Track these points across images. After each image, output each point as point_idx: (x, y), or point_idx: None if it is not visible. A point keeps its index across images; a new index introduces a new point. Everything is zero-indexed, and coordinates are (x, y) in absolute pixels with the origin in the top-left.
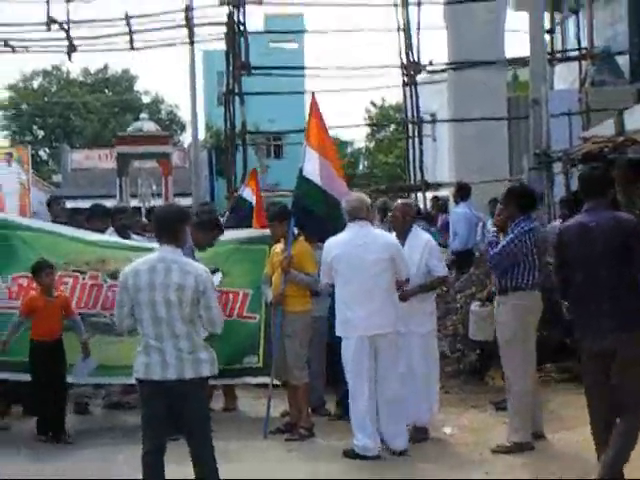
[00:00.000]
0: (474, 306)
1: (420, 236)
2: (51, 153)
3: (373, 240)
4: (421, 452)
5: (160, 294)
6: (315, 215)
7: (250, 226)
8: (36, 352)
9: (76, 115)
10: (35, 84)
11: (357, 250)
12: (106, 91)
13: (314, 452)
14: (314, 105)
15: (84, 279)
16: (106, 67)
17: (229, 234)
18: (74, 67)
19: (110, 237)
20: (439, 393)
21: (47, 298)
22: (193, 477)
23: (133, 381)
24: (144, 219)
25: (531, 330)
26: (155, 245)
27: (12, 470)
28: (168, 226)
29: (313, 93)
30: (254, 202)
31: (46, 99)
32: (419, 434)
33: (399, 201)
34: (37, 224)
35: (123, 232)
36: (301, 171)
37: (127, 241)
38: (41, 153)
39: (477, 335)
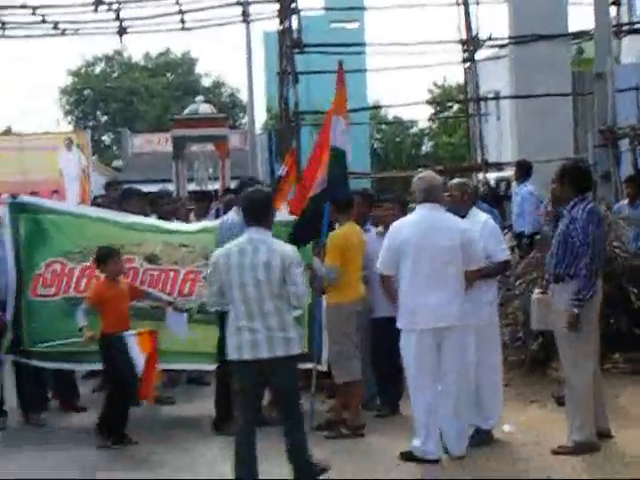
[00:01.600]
0: (535, 294)
1: (479, 217)
2: (114, 138)
3: (445, 224)
4: (479, 453)
5: (250, 274)
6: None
7: None
8: (108, 346)
9: (138, 99)
10: (97, 69)
11: (428, 234)
12: (167, 75)
13: (360, 453)
14: (340, 75)
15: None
16: (167, 51)
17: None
18: (135, 51)
19: (146, 220)
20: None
21: (115, 287)
22: None
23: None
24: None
25: (590, 321)
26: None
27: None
28: (255, 209)
29: (340, 62)
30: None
31: (108, 84)
32: (482, 437)
33: (455, 180)
34: (71, 207)
35: (166, 219)
36: (335, 147)
37: (164, 223)
38: (105, 138)
39: (538, 325)
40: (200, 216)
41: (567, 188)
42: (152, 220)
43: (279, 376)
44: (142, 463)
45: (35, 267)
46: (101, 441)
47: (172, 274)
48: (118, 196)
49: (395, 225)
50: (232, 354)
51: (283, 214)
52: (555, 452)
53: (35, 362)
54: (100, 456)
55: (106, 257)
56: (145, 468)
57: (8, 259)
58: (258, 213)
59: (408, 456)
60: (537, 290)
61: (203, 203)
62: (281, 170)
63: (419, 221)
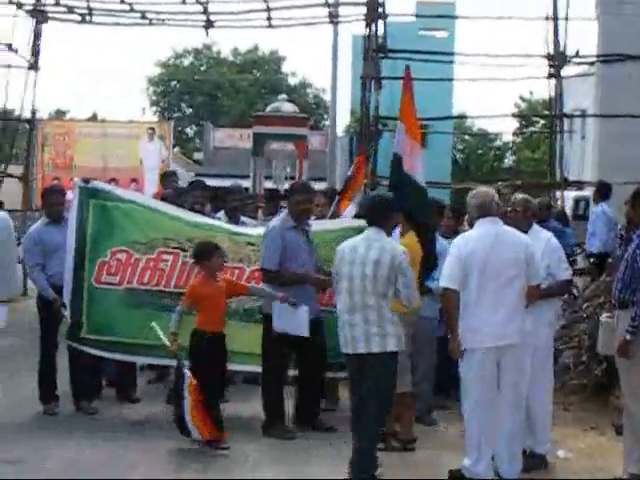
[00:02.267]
0: (604, 317)
1: (540, 234)
2: (197, 131)
3: (510, 238)
4: (531, 477)
5: (358, 268)
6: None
7: None
8: (197, 344)
9: (224, 94)
10: (186, 62)
11: (491, 249)
12: (254, 72)
13: (409, 467)
14: (408, 79)
15: (185, 257)
16: (256, 48)
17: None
18: (224, 47)
19: (212, 220)
20: (558, 410)
21: (214, 284)
22: None
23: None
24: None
25: None
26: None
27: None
28: (374, 212)
29: (407, 66)
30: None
31: (196, 77)
32: (536, 462)
33: (519, 196)
34: (141, 198)
35: (233, 214)
36: (395, 154)
37: (229, 225)
38: (188, 130)
39: (605, 349)
40: (268, 214)
41: (639, 211)
42: (218, 222)
43: (370, 370)
44: (183, 460)
45: (101, 254)
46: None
47: (237, 272)
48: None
49: (459, 239)
50: (340, 346)
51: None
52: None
53: (93, 351)
54: (145, 451)
55: (207, 253)
56: (185, 466)
57: (68, 243)
58: (376, 215)
59: (457, 475)
60: (606, 314)
61: (272, 202)
62: (349, 172)
63: (484, 235)
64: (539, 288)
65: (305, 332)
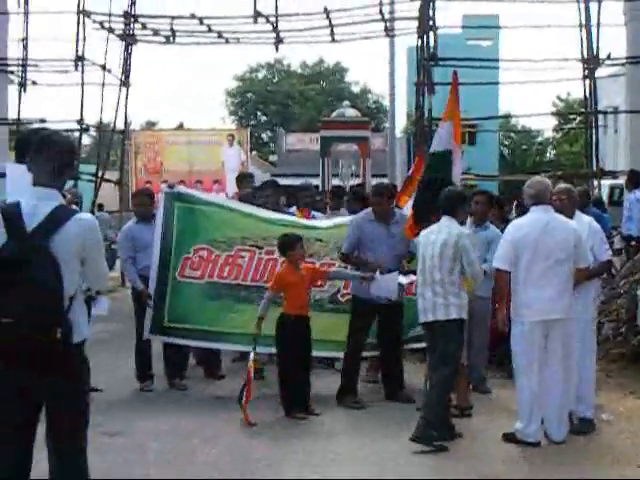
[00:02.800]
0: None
1: (583, 221)
2: (271, 136)
3: (560, 224)
4: (578, 439)
5: (430, 249)
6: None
7: None
8: (286, 326)
9: (294, 103)
10: (260, 75)
11: (542, 233)
12: (320, 82)
13: (466, 431)
14: (455, 83)
15: (260, 254)
16: (321, 60)
17: None
18: (293, 60)
19: (283, 215)
20: (600, 377)
21: (297, 272)
22: None
23: None
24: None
25: None
26: (326, 222)
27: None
28: (447, 203)
29: (455, 71)
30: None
31: (269, 88)
32: (584, 425)
33: (562, 185)
34: (220, 200)
35: (305, 209)
36: (431, 153)
37: (300, 219)
38: (263, 136)
39: None
40: (334, 209)
41: None
42: (289, 217)
43: (439, 337)
44: (261, 430)
45: (185, 251)
46: (287, 412)
47: (308, 265)
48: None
49: (514, 223)
50: (419, 317)
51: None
52: None
53: (174, 340)
54: (228, 421)
55: (291, 244)
56: (263, 434)
57: (155, 241)
58: (448, 206)
59: (510, 437)
60: None
61: (338, 198)
62: (410, 171)
63: (537, 220)
64: (587, 270)
65: (394, 295)
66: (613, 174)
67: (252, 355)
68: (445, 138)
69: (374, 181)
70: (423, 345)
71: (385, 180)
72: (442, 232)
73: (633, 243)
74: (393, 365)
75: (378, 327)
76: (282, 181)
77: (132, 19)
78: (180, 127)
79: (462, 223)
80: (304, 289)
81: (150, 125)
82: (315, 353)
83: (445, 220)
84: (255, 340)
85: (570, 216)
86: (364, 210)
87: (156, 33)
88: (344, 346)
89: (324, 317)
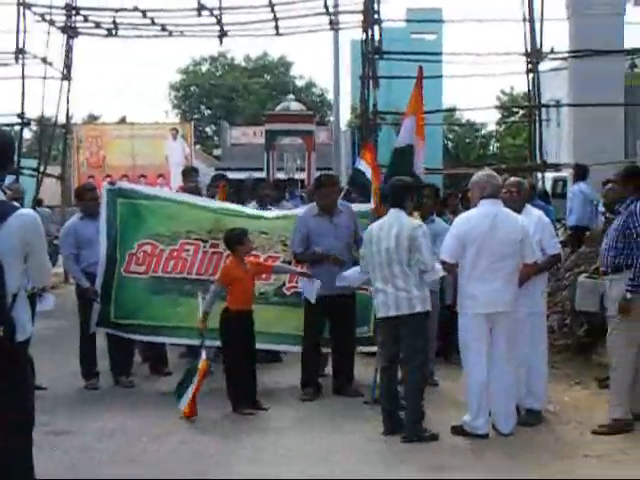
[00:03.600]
0: (582, 277)
1: (532, 214)
2: (215, 130)
3: (507, 219)
4: (525, 431)
5: (384, 244)
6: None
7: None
8: (230, 321)
9: (238, 96)
10: (203, 68)
11: (489, 228)
12: (265, 75)
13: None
14: (420, 77)
15: (205, 247)
16: (266, 54)
17: None
18: (237, 54)
19: (227, 204)
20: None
21: (243, 266)
22: None
23: None
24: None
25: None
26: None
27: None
28: (394, 194)
29: (420, 67)
30: (368, 174)
31: (212, 82)
32: (532, 417)
33: (511, 179)
34: (163, 193)
35: (264, 202)
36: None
37: (244, 209)
38: (207, 130)
39: (582, 305)
40: (275, 201)
41: (629, 187)
42: (236, 206)
43: (405, 332)
44: (210, 426)
45: (129, 246)
46: (234, 408)
47: (253, 258)
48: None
49: (462, 217)
50: (375, 312)
51: (362, 205)
52: (594, 432)
53: (122, 334)
54: (177, 419)
55: (239, 237)
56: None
57: (100, 238)
58: (397, 198)
59: (459, 430)
60: (583, 275)
61: (278, 191)
62: (357, 162)
63: (484, 214)
64: (535, 265)
65: (312, 299)
66: (556, 167)
67: (204, 354)
68: (408, 133)
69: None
70: (370, 349)
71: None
72: (394, 225)
73: (570, 233)
74: (345, 359)
75: (330, 321)
76: (227, 175)
77: (74, 11)
78: (123, 121)
79: (410, 214)
80: (249, 283)
81: (93, 119)
82: (260, 346)
83: (394, 212)
84: (202, 335)
85: (519, 210)
86: (307, 205)
87: (98, 26)
88: (290, 339)
89: (269, 310)
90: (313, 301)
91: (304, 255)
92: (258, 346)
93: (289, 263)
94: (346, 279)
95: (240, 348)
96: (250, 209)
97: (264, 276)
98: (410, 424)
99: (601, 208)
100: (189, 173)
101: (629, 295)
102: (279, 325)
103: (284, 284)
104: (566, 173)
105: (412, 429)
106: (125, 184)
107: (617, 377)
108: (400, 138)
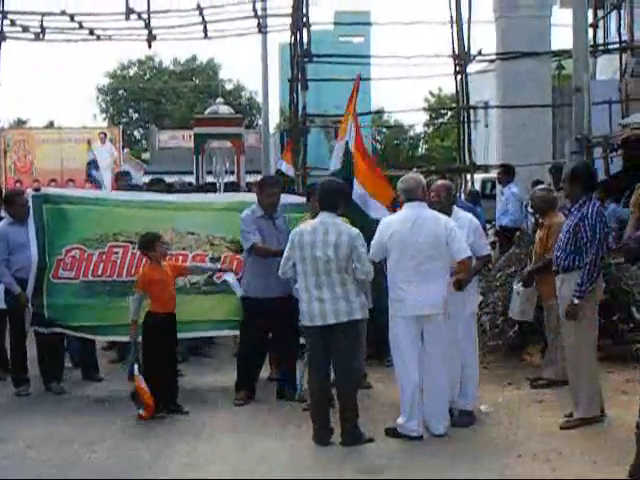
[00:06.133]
0: (517, 286)
1: (462, 216)
2: (144, 133)
3: (429, 221)
4: (459, 431)
5: (321, 251)
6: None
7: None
8: (151, 324)
9: (166, 100)
10: (131, 72)
11: (412, 230)
12: (193, 79)
13: None
14: (357, 84)
15: (134, 249)
16: (194, 57)
17: None
18: (165, 57)
19: (154, 195)
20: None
21: (160, 269)
22: None
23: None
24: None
25: (592, 308)
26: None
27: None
28: (327, 197)
29: (358, 74)
30: (291, 173)
31: (140, 85)
32: (464, 418)
33: (439, 182)
34: (88, 195)
35: None
36: (347, 143)
37: (174, 197)
38: (135, 133)
39: (518, 315)
40: None
41: (576, 187)
42: (164, 197)
43: (341, 338)
44: (145, 431)
45: (57, 252)
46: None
47: (181, 257)
48: (126, 185)
49: (384, 221)
50: (305, 321)
51: (297, 197)
52: (562, 427)
53: (58, 329)
54: (109, 424)
55: (151, 242)
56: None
57: (31, 245)
58: (329, 200)
59: (393, 432)
60: (518, 283)
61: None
62: (279, 163)
63: (405, 218)
64: (469, 261)
65: (239, 293)
66: (485, 168)
67: (136, 369)
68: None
69: (248, 177)
70: None
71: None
72: (331, 232)
73: (504, 233)
74: (285, 363)
75: (271, 324)
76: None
77: (1, 15)
78: (51, 125)
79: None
80: (169, 286)
81: (20, 123)
82: (200, 334)
83: (327, 216)
84: (135, 344)
85: (448, 212)
86: (249, 208)
87: (25, 30)
88: (228, 323)
89: (201, 299)
90: (239, 295)
91: (264, 248)
92: (198, 334)
93: (217, 259)
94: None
95: (160, 352)
96: (186, 197)
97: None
98: (349, 428)
99: (530, 209)
100: (122, 177)
101: (576, 301)
102: (215, 312)
103: (214, 273)
104: (494, 174)
105: (350, 433)
106: (51, 189)
107: (579, 372)
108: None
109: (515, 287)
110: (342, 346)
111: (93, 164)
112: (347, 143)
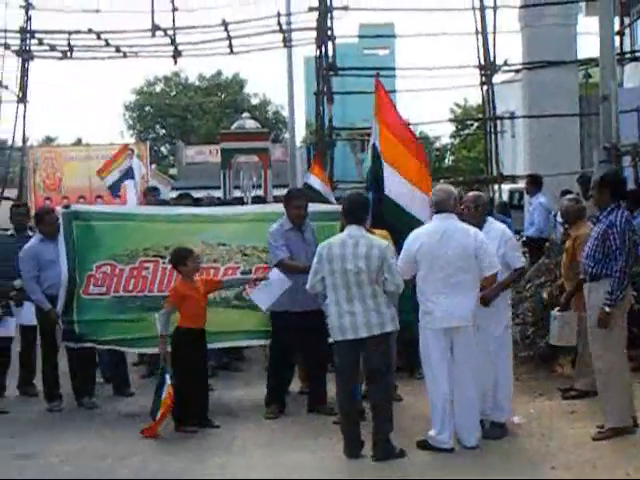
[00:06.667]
0: (555, 311)
1: (495, 227)
2: (170, 149)
3: (458, 233)
4: (490, 443)
5: (351, 263)
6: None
7: None
8: (181, 340)
9: (193, 115)
10: (157, 88)
11: (440, 242)
12: (219, 94)
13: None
14: (377, 85)
15: (164, 263)
16: (219, 72)
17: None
18: (191, 73)
19: (185, 209)
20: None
21: (192, 284)
22: None
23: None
24: None
25: (621, 317)
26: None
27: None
28: (354, 210)
29: (377, 73)
30: (319, 187)
31: (167, 101)
32: (496, 430)
33: (470, 193)
34: (118, 210)
35: None
36: (375, 147)
37: (204, 210)
38: (162, 149)
39: (558, 341)
40: None
41: (605, 194)
42: (198, 209)
43: (373, 351)
44: (173, 446)
45: (88, 268)
46: (177, 427)
47: (212, 271)
48: (154, 200)
49: (413, 234)
50: (336, 335)
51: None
52: (594, 438)
53: (89, 344)
54: (139, 439)
55: (184, 258)
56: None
57: (61, 261)
58: (356, 213)
59: (424, 444)
60: (557, 308)
61: None
62: (307, 176)
63: (434, 230)
64: (495, 277)
65: (264, 307)
66: (512, 178)
67: (168, 379)
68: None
69: (275, 191)
70: None
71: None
72: (361, 244)
73: (531, 244)
74: (315, 376)
75: (300, 338)
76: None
77: (28, 35)
78: (79, 142)
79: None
80: (200, 301)
81: (49, 141)
82: (229, 344)
83: (356, 229)
84: (165, 357)
85: (480, 224)
86: (277, 222)
87: (53, 48)
88: (257, 334)
89: (230, 312)
90: (264, 310)
91: (291, 264)
92: (227, 345)
93: (249, 272)
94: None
95: (191, 367)
96: (215, 209)
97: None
98: (381, 442)
99: (559, 218)
100: (150, 193)
101: (608, 309)
102: (244, 323)
103: (244, 289)
104: (521, 184)
105: (383, 447)
106: (80, 206)
107: (609, 382)
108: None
109: (552, 312)
110: (374, 359)
111: (130, 172)
112: (374, 146)
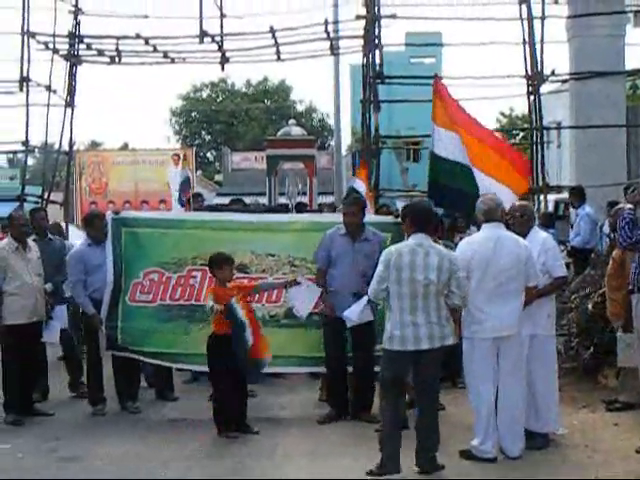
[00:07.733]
0: (620, 333)
1: (538, 236)
2: (216, 155)
3: (510, 242)
4: (533, 454)
5: (421, 274)
6: (451, 188)
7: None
8: (215, 346)
9: (239, 122)
10: (204, 94)
11: (491, 252)
12: (265, 100)
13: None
14: (436, 87)
15: None
16: (266, 79)
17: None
18: (238, 79)
19: (237, 215)
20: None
21: (225, 290)
22: None
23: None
24: None
25: None
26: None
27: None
28: (421, 218)
29: (435, 74)
30: (362, 192)
31: (213, 107)
32: (539, 440)
33: (516, 202)
34: (165, 217)
35: None
36: (432, 152)
37: (261, 216)
38: (208, 155)
39: (624, 362)
40: None
41: None
42: (249, 216)
43: (427, 364)
44: (216, 452)
45: (135, 275)
46: (219, 432)
47: (235, 282)
48: (199, 206)
49: (464, 242)
50: (394, 345)
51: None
52: (638, 451)
53: (133, 355)
54: (182, 444)
55: (218, 263)
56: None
57: (107, 267)
58: (424, 221)
59: (467, 454)
60: (620, 330)
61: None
62: (352, 181)
63: (486, 238)
64: (535, 288)
65: (304, 314)
66: (558, 189)
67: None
68: (455, 149)
69: (320, 199)
70: None
71: (332, 198)
72: (431, 254)
73: (576, 254)
74: (361, 382)
75: (351, 344)
76: (228, 200)
77: (77, 39)
78: (125, 147)
79: None
80: None
81: (95, 145)
82: (279, 369)
83: (424, 239)
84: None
85: (524, 233)
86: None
87: (101, 53)
88: (310, 360)
89: (281, 333)
90: (304, 316)
91: (319, 278)
92: (276, 370)
93: (297, 283)
94: (353, 318)
95: (227, 373)
96: (265, 216)
97: (274, 298)
98: (427, 455)
99: (606, 229)
100: (194, 198)
101: None
102: (296, 347)
103: (293, 307)
104: (567, 195)
105: (430, 461)
106: (129, 212)
107: None
108: (441, 146)
109: (619, 334)
110: (430, 372)
111: (188, 182)
112: (432, 151)
